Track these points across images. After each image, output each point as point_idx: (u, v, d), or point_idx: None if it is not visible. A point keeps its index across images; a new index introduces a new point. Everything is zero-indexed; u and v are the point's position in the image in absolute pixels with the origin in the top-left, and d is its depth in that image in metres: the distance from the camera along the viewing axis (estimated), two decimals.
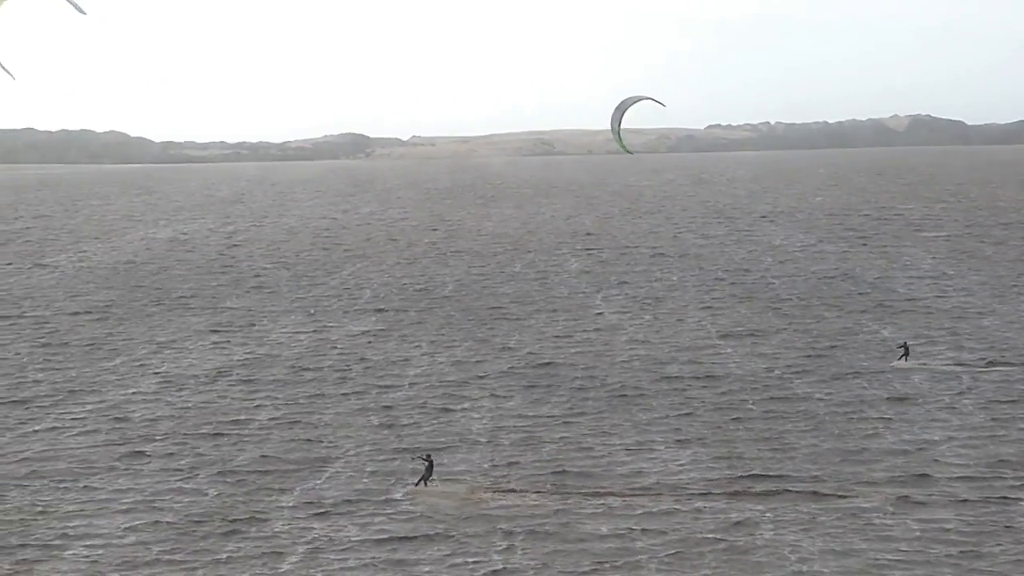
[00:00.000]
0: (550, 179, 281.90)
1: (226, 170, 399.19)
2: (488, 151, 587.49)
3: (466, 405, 51.85)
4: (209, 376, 58.56)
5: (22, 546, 35.40)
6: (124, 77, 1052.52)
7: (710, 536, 35.08)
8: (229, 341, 67.94)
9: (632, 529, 35.79)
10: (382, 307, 79.77)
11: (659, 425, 47.94)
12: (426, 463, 40.10)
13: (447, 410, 51.03)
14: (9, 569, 33.73)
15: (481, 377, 57.43)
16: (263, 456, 44.47)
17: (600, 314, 75.35)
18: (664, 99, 76.50)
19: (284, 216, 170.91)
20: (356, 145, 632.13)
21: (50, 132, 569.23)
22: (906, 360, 58.19)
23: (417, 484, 39.96)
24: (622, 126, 75.01)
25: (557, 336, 67.91)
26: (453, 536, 35.71)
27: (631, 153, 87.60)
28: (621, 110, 74.92)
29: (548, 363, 60.34)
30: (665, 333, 68.37)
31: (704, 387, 54.53)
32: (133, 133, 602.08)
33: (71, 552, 34.92)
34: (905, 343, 60.18)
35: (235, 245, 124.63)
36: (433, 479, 39.99)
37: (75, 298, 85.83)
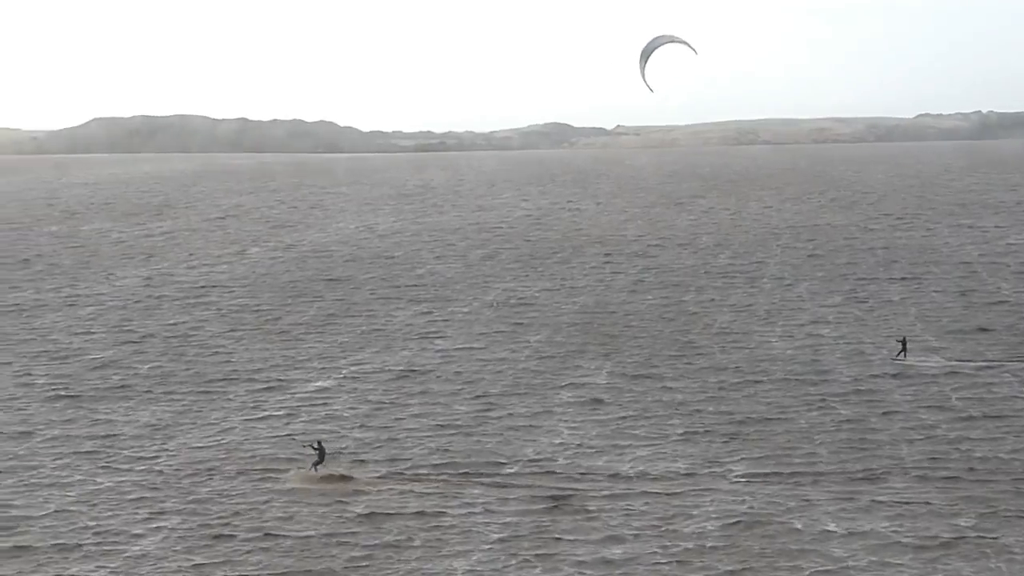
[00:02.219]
0: (754, 169, 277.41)
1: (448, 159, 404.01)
2: (692, 141, 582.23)
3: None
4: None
5: None
6: (335, 67, 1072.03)
7: None
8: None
9: None
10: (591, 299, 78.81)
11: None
12: (317, 450, 42.00)
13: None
14: None
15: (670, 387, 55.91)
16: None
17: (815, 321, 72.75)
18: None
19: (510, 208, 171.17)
20: (560, 135, 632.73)
21: (262, 121, 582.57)
22: (904, 356, 57.70)
23: (309, 469, 41.97)
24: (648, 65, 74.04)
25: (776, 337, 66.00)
26: None
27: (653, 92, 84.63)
28: (647, 52, 73.89)
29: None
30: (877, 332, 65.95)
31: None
32: (342, 122, 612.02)
33: None
34: (904, 338, 59.50)
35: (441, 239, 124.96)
36: (324, 464, 41.69)
37: (276, 285, 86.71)
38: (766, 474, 41.47)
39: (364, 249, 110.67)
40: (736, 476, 41.27)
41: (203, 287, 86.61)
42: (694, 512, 37.61)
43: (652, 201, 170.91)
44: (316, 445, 42.63)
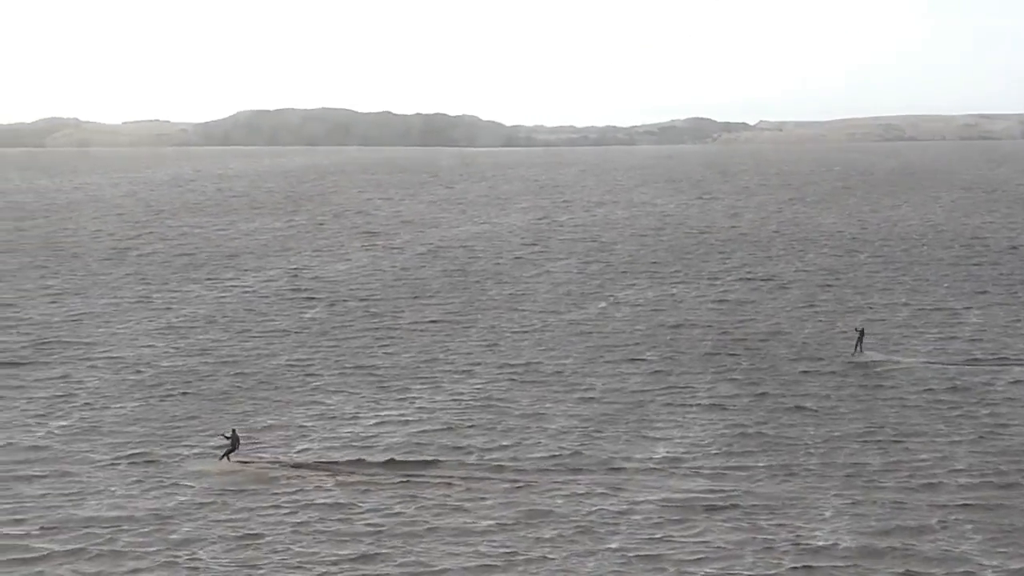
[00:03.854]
0: (900, 167, 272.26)
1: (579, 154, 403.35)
2: (837, 136, 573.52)
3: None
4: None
5: None
6: (479, 61, 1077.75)
7: None
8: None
9: None
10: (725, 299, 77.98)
11: None
12: (229, 439, 42.81)
13: None
14: None
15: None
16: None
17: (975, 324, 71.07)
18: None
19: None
20: (702, 130, 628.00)
21: (405, 115, 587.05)
22: (860, 348, 58.38)
23: (220, 459, 42.66)
24: None
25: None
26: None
27: None
28: None
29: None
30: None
31: None
32: (485, 116, 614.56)
33: None
34: (861, 328, 60.04)
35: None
36: (236, 453, 42.63)
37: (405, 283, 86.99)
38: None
39: (495, 244, 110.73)
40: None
41: (332, 282, 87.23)
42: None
43: (792, 198, 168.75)
44: (228, 434, 43.21)
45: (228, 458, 42.77)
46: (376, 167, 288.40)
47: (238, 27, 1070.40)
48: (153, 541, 35.46)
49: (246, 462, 42.77)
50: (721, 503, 38.27)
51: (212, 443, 44.78)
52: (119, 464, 43.00)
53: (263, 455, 43.89)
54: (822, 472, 41.48)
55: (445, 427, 47.63)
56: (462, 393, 53.21)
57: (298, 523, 36.82)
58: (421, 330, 68.29)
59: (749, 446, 44.82)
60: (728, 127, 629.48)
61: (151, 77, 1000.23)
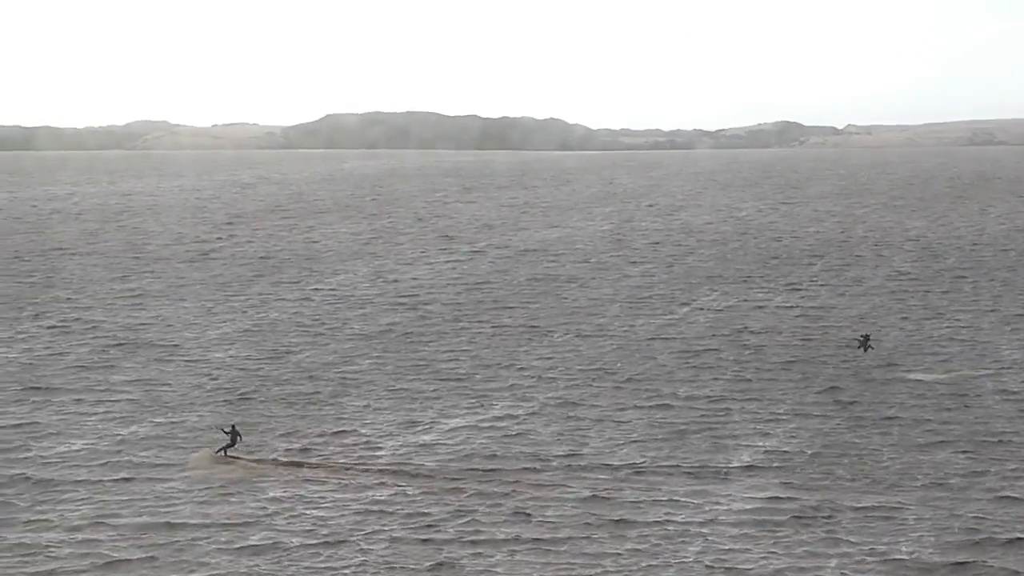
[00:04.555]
0: (988, 171, 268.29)
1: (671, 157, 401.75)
2: (925, 140, 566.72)
3: None
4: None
5: None
6: (566, 64, 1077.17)
7: None
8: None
9: None
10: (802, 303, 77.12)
11: None
12: (228, 434, 43.18)
13: None
14: None
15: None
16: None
17: None
18: None
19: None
20: (789, 133, 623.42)
21: (491, 118, 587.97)
22: (865, 350, 58.18)
23: (217, 452, 43.20)
24: None
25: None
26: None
27: None
28: None
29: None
30: None
31: None
32: (571, 120, 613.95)
33: None
34: (866, 335, 59.36)
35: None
36: (237, 448, 43.13)
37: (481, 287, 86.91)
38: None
39: (577, 249, 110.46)
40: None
41: (414, 286, 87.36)
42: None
43: (880, 203, 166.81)
44: (228, 429, 43.66)
45: (225, 452, 43.22)
46: (459, 169, 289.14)
47: (329, 31, 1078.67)
48: (232, 546, 35.54)
49: (323, 466, 42.84)
50: (804, 512, 37.77)
51: (279, 444, 44.98)
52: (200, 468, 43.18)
53: (342, 460, 43.92)
54: (906, 482, 40.80)
55: (525, 433, 47.44)
56: (542, 398, 52.98)
57: (374, 530, 36.73)
58: (502, 335, 68.14)
59: (831, 454, 44.20)
60: (816, 131, 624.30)
61: (242, 81, 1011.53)
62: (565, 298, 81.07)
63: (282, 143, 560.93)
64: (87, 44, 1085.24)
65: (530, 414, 50.32)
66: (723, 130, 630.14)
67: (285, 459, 43.81)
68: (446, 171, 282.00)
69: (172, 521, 37.38)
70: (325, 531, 36.56)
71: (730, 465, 42.94)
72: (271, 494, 39.90)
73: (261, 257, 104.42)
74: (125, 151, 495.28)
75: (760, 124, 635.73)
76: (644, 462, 43.44)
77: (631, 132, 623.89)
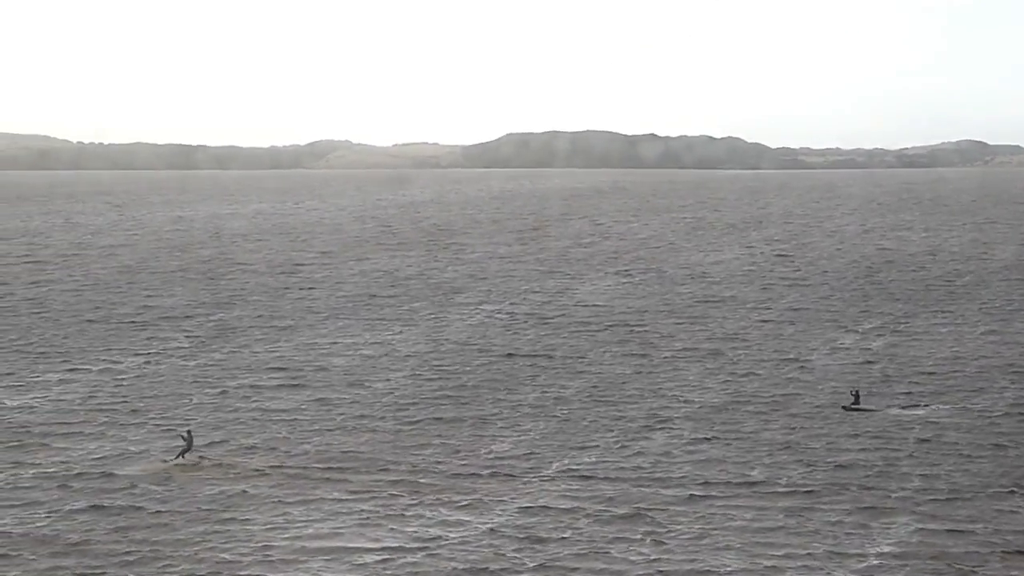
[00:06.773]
0: None
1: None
2: None
3: None
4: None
5: None
6: (745, 82, 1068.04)
7: None
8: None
9: None
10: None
11: None
12: (185, 439, 44.92)
13: None
14: None
15: None
16: None
17: None
18: None
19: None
20: (974, 153, 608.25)
21: (669, 137, 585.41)
22: (856, 404, 53.70)
23: (176, 458, 44.77)
24: None
25: None
26: None
27: None
28: None
29: None
30: None
31: None
32: (749, 139, 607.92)
33: None
34: (856, 391, 54.91)
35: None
36: (192, 452, 44.87)
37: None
38: None
39: (750, 272, 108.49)
40: None
41: (582, 307, 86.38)
42: None
43: None
44: (185, 435, 45.47)
45: (183, 456, 44.72)
46: (636, 187, 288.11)
47: (509, 51, 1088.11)
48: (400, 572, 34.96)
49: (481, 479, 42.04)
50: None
51: (410, 463, 44.45)
52: (375, 491, 42.37)
53: (520, 479, 43.17)
54: None
55: (685, 459, 45.98)
56: (707, 425, 51.47)
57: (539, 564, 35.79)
58: (675, 358, 66.70)
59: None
60: (1002, 150, 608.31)
61: (423, 101, 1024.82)
62: (739, 321, 79.30)
63: (461, 162, 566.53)
64: (275, 65, 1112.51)
65: (689, 441, 48.90)
66: (905, 149, 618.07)
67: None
68: (621, 188, 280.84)
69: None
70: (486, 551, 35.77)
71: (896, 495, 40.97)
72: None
73: (431, 280, 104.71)
74: (307, 170, 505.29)
75: (942, 143, 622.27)
76: (816, 488, 41.88)
77: (811, 151, 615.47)
